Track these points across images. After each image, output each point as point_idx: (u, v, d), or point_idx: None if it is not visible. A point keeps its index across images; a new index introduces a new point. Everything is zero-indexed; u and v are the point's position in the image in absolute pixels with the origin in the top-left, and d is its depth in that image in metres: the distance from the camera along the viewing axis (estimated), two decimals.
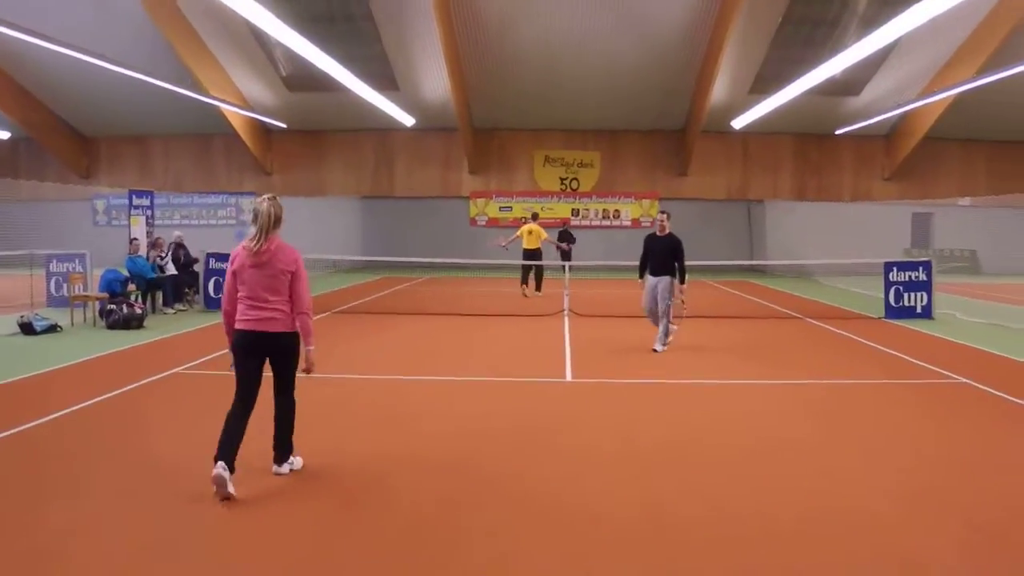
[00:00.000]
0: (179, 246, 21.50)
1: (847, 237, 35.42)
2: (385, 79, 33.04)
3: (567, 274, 20.90)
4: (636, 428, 8.81)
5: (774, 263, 23.46)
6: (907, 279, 19.36)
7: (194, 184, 40.50)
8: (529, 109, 36.66)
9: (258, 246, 6.64)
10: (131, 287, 18.62)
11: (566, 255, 26.21)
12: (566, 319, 18.73)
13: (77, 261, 20.40)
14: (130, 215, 24.02)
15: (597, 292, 25.93)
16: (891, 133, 38.10)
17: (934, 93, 28.42)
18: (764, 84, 32.61)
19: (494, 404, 9.99)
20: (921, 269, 19.39)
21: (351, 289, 26.76)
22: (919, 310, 19.20)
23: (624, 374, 11.91)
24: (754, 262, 35.90)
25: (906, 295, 19.30)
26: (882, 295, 19.56)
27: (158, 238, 21.31)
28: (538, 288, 24.68)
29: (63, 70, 32.47)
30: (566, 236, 27.43)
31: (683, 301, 14.10)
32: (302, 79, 33.80)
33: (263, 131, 39.45)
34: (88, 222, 39.97)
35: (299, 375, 7.03)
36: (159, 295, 19.84)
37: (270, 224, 6.68)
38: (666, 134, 38.55)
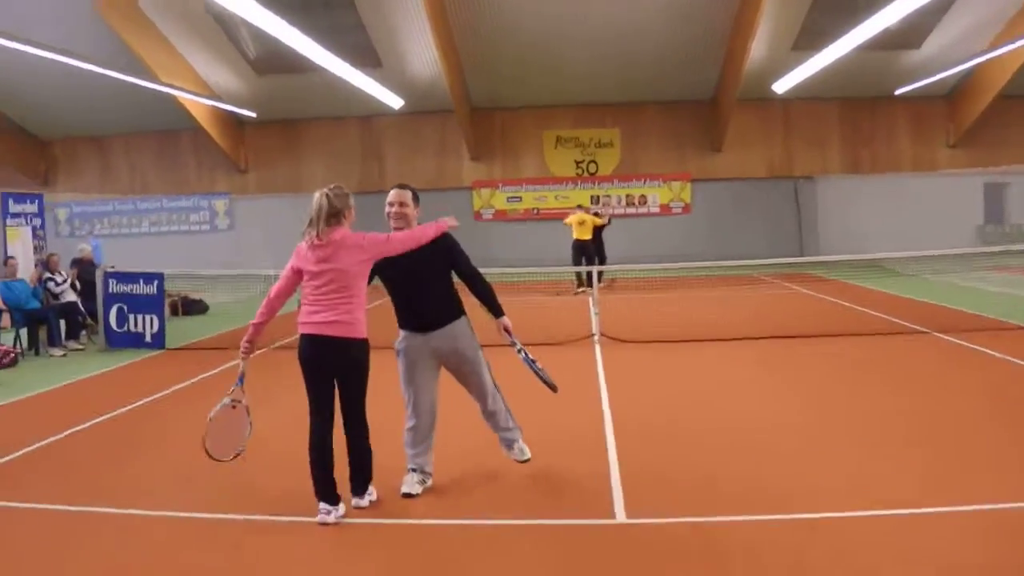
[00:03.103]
0: (84, 263, 17.86)
1: (910, 214, 32.33)
2: (365, 54, 29.75)
3: (595, 284, 16.77)
4: None
5: (850, 257, 19.74)
6: None
7: (162, 186, 37.69)
8: (534, 82, 33.26)
9: (313, 239, 6.46)
10: (4, 322, 15.12)
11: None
12: (598, 350, 14.60)
13: None
14: (4, 225, 20.09)
15: (627, 299, 21.75)
16: (953, 93, 34.27)
17: (1009, 42, 24.99)
18: (810, 38, 28.87)
19: None
20: None
21: None
22: None
23: (723, 501, 6.85)
24: (813, 258, 30.77)
25: None
26: (1000, 288, 15.56)
27: (51, 255, 17.65)
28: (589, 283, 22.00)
29: (5, 67, 30.10)
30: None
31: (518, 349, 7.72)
32: (271, 60, 30.74)
33: (234, 124, 36.45)
34: (51, 232, 36.42)
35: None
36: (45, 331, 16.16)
37: (320, 217, 6.45)
38: (695, 105, 35.01)
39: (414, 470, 7.22)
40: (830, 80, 30.59)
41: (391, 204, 7.01)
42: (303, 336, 6.55)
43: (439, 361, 7.27)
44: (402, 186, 7.09)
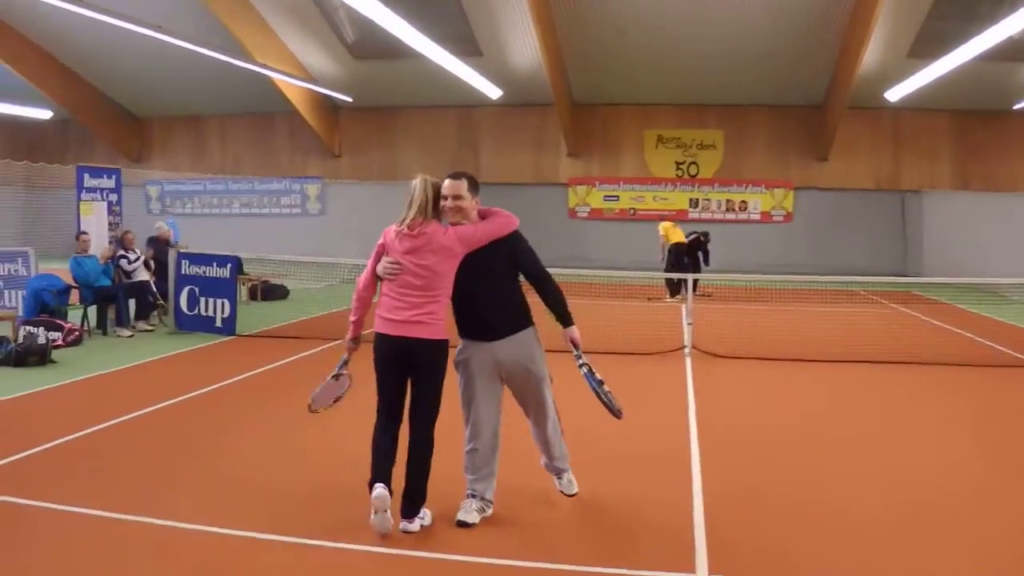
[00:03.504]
0: (159, 242, 17.42)
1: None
2: (465, 43, 29.24)
3: (690, 293, 15.73)
4: None
5: (969, 280, 18.57)
6: None
7: (254, 168, 37.85)
8: (637, 79, 32.41)
9: (408, 224, 6.08)
10: (73, 299, 14.73)
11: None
12: (688, 364, 13.49)
13: (20, 261, 16.38)
14: (79, 199, 19.61)
15: (723, 310, 20.27)
16: None
17: None
18: (927, 46, 27.57)
19: None
20: None
21: None
22: None
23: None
24: (927, 279, 28.15)
25: None
26: None
27: (125, 232, 17.13)
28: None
29: (106, 46, 31.02)
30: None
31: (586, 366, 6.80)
32: (369, 45, 30.52)
33: (329, 108, 36.51)
34: (141, 210, 36.86)
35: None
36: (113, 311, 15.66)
37: (426, 201, 6.10)
38: (802, 110, 33.78)
39: (473, 495, 6.45)
40: (945, 90, 29.26)
41: (445, 197, 6.18)
42: (378, 335, 6.18)
43: (501, 375, 6.49)
44: (456, 175, 6.28)
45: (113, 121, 38.40)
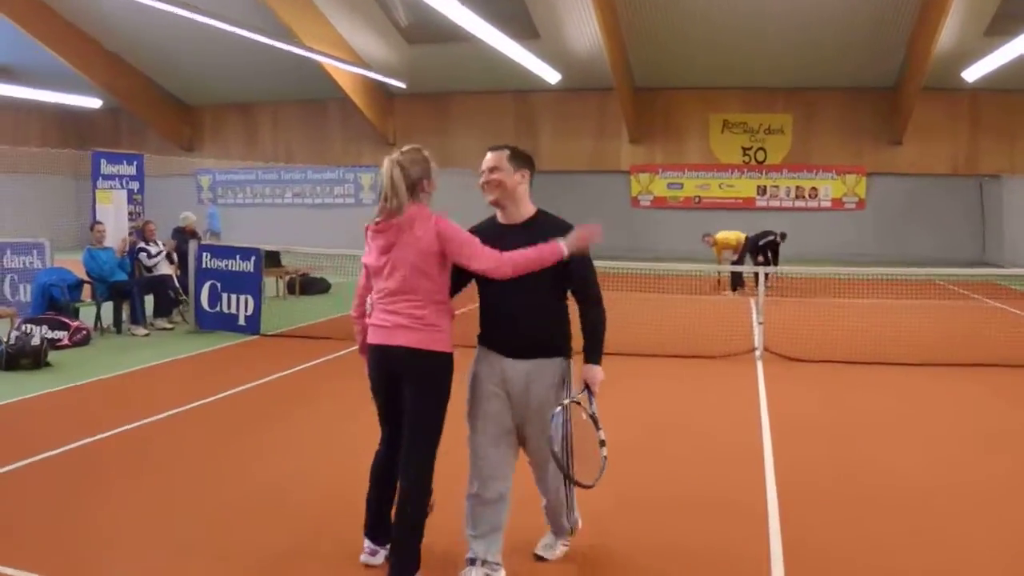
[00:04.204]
0: (185, 234, 16.65)
1: None
2: (522, 25, 28.65)
3: (761, 289, 14.05)
4: None
5: None
6: None
7: (306, 156, 37.72)
8: (701, 61, 31.68)
9: (378, 218, 5.01)
10: (87, 294, 14.09)
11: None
12: (760, 369, 12.21)
13: (35, 253, 15.63)
14: (94, 187, 18.66)
15: (796, 305, 18.28)
16: None
17: None
18: (1005, 23, 26.57)
19: None
20: None
21: None
22: None
23: None
24: (1008, 269, 26.35)
25: None
26: None
27: (147, 222, 16.18)
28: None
29: (151, 31, 30.79)
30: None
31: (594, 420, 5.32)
32: (422, 29, 29.90)
33: (382, 94, 36.17)
34: (192, 200, 37.06)
35: None
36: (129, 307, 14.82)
37: (392, 188, 4.93)
38: (874, 93, 32.91)
39: (473, 561, 5.10)
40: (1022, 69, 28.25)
41: (482, 171, 5.09)
42: (369, 347, 5.18)
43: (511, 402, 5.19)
44: (497, 147, 5.17)
45: (162, 109, 38.34)
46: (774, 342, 13.36)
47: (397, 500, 5.05)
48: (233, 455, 7.83)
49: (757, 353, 13.14)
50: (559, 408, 4.97)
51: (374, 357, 5.11)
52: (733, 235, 22.57)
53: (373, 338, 5.08)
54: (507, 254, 4.84)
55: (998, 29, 27.15)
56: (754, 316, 14.35)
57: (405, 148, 5.11)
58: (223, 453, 7.88)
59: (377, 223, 5.03)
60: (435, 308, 5.00)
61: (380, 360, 5.08)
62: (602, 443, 4.99)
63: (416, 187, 4.99)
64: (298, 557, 5.51)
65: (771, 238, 22.76)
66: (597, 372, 5.10)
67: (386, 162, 5.02)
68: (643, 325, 14.27)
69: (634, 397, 9.97)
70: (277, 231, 30.09)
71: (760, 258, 22.07)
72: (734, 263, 21.77)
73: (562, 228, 5.05)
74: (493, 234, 5.08)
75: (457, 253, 4.89)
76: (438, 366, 5.00)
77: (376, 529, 5.29)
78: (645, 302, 16.94)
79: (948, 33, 27.61)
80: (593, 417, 5.07)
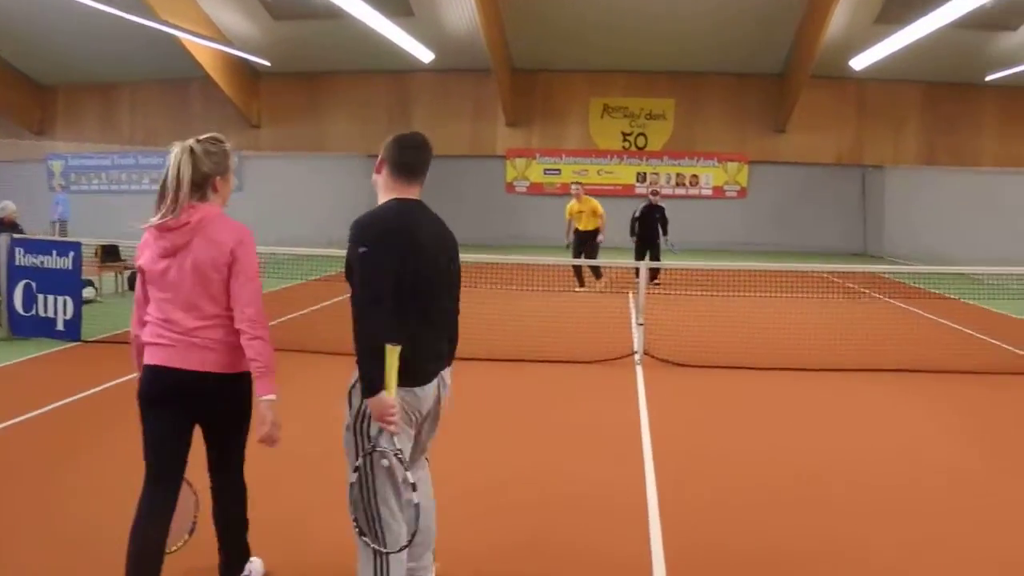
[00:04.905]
0: (5, 225, 14.99)
1: (987, 215, 28.83)
2: (395, 1, 27.71)
3: (642, 284, 12.44)
4: None
5: (933, 269, 17.16)
6: None
7: (167, 139, 33.97)
8: (584, 44, 31.36)
9: (163, 219, 4.16)
10: None
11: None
12: (640, 375, 10.93)
13: None
14: None
15: (678, 301, 16.44)
16: None
17: None
18: (896, 11, 26.92)
19: None
20: None
21: (317, 285, 19.05)
22: None
23: None
24: (900, 268, 26.09)
25: None
26: None
27: None
28: (598, 275, 19.63)
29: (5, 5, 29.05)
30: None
31: None
32: (289, 3, 28.98)
33: (247, 73, 34.77)
34: (43, 187, 35.10)
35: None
36: None
37: (179, 184, 4.14)
38: (761, 79, 33.16)
39: None
40: (913, 60, 28.94)
41: None
42: (145, 367, 4.32)
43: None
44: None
45: (11, 88, 36.15)
46: (655, 345, 12.01)
47: (225, 509, 4.58)
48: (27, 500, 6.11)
49: (637, 357, 11.74)
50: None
51: (162, 381, 4.28)
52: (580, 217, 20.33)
53: (164, 360, 4.27)
54: (265, 332, 4.25)
55: (888, 17, 27.71)
56: (633, 317, 13.08)
57: (203, 136, 4.39)
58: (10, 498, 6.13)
59: (165, 222, 4.20)
60: (230, 322, 4.32)
61: (172, 385, 4.29)
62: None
63: (205, 183, 4.28)
64: None
65: (648, 204, 21.23)
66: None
67: (176, 147, 4.27)
68: (509, 325, 13.01)
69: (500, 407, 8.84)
70: (133, 220, 28.65)
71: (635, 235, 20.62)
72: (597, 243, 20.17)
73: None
74: None
75: (235, 283, 4.22)
76: (244, 386, 4.43)
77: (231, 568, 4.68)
78: (512, 299, 15.63)
79: (838, 20, 28.05)
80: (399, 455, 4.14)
